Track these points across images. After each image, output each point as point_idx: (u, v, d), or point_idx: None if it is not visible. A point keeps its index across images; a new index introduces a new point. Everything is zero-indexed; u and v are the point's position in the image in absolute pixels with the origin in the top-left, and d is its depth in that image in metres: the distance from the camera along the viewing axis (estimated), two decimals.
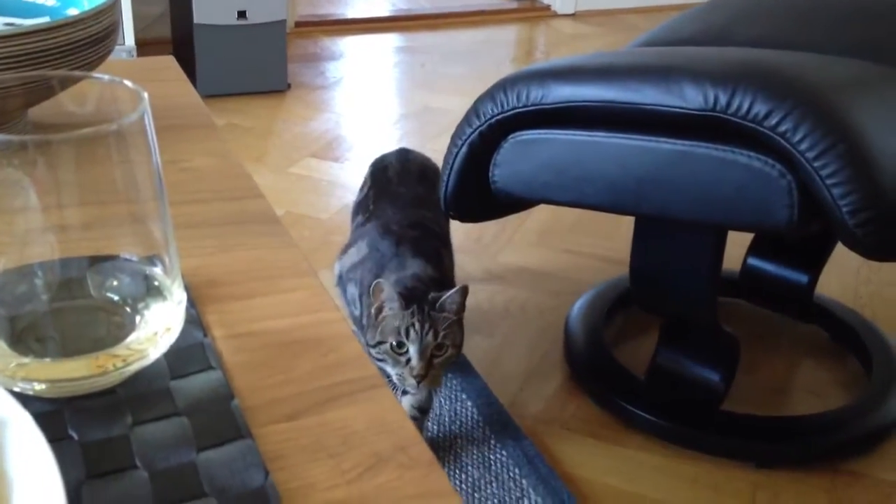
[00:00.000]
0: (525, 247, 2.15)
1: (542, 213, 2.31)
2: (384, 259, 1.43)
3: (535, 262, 2.08)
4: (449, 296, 1.30)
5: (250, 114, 2.95)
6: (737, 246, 1.86)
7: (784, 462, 1.46)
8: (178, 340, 0.46)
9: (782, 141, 1.12)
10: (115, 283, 0.45)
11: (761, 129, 1.13)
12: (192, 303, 0.50)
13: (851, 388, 1.65)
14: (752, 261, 1.76)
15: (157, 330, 0.43)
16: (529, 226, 2.25)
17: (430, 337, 1.28)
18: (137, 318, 0.43)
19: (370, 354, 1.32)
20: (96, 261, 0.44)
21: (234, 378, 0.45)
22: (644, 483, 1.41)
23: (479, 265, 2.06)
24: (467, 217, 1.58)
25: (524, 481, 1.38)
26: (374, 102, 3.15)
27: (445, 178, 1.47)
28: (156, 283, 0.44)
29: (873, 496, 1.40)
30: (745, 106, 1.14)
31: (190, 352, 0.46)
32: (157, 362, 0.45)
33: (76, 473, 0.38)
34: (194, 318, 0.48)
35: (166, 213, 0.43)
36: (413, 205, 1.58)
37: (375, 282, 1.30)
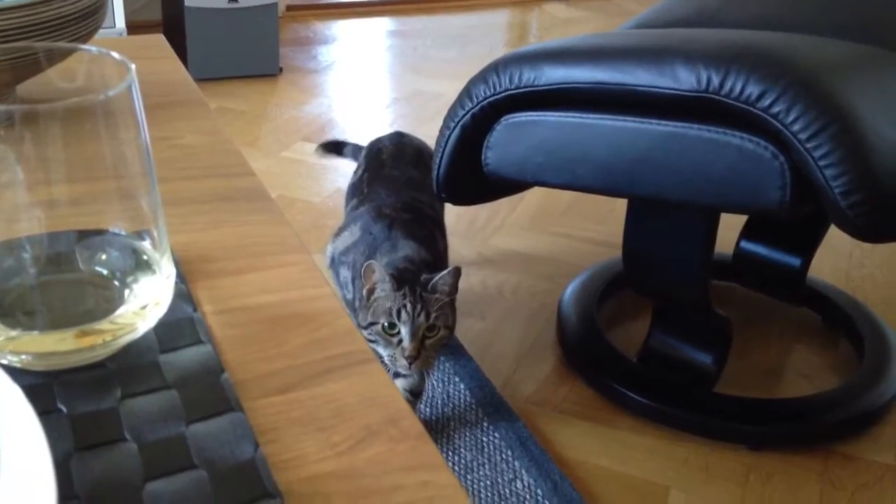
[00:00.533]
0: (518, 230, 2.15)
1: (535, 196, 2.31)
2: (376, 242, 1.42)
3: (528, 246, 2.08)
4: (441, 277, 1.30)
5: (242, 98, 2.94)
6: (730, 229, 1.86)
7: (776, 444, 1.46)
8: (167, 315, 0.46)
9: (775, 122, 1.12)
10: (103, 256, 0.44)
11: (754, 110, 1.13)
12: (182, 278, 0.50)
13: (843, 370, 1.66)
14: (745, 244, 1.76)
15: (145, 303, 0.42)
16: (523, 209, 2.25)
17: (421, 318, 1.28)
18: (126, 292, 0.43)
19: (362, 335, 1.32)
20: (85, 235, 0.44)
21: (224, 352, 0.45)
22: (636, 464, 1.42)
23: (472, 248, 2.06)
24: (460, 200, 1.57)
25: (516, 463, 1.38)
26: (366, 86, 3.14)
27: (438, 160, 1.47)
28: (144, 257, 0.44)
29: (865, 478, 1.40)
30: (738, 87, 1.14)
31: (180, 326, 0.46)
32: (146, 336, 0.44)
33: (65, 446, 0.37)
34: (184, 293, 0.48)
35: (154, 187, 0.43)
36: (407, 188, 1.57)
37: (367, 263, 1.29)
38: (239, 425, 0.39)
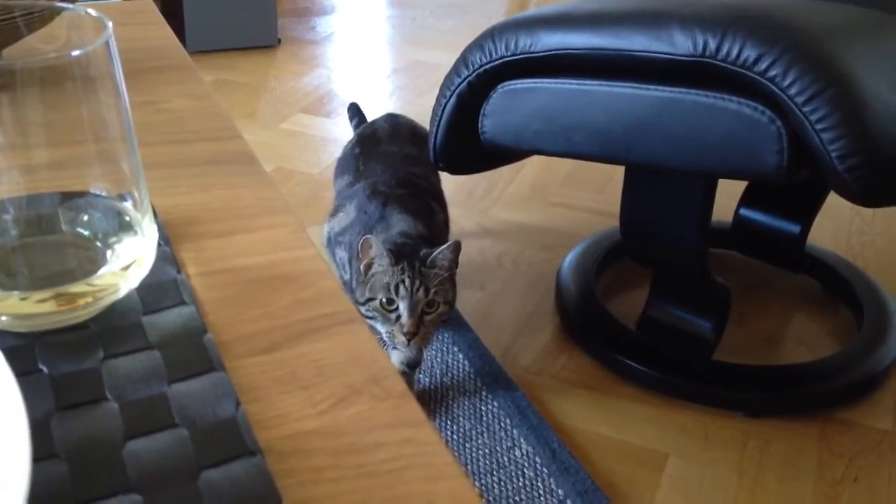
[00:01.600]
0: (517, 200, 2.14)
1: (534, 166, 2.30)
2: (371, 221, 1.41)
3: (526, 216, 2.07)
4: (440, 251, 1.29)
5: (240, 69, 2.92)
6: (729, 197, 1.86)
7: (774, 411, 1.46)
8: (151, 277, 0.46)
9: (772, 86, 1.11)
10: (85, 218, 0.44)
11: (751, 74, 1.12)
12: (166, 241, 0.49)
13: (843, 337, 1.65)
14: (744, 212, 1.75)
15: (127, 263, 0.42)
16: (521, 180, 2.24)
17: (420, 293, 1.27)
18: (108, 253, 0.43)
19: (360, 312, 1.31)
20: (67, 197, 0.44)
21: (208, 313, 0.44)
22: (634, 432, 1.42)
23: (470, 219, 2.05)
24: (457, 169, 1.57)
25: (515, 431, 1.39)
26: (365, 57, 3.12)
27: (434, 129, 1.46)
28: (126, 219, 0.44)
29: (863, 444, 1.41)
30: (735, 51, 1.13)
31: (163, 288, 0.45)
32: (129, 298, 0.44)
33: (45, 406, 0.37)
34: (168, 256, 0.48)
35: (135, 147, 0.43)
36: (403, 163, 1.55)
37: (364, 237, 1.28)
38: (220, 384, 0.39)
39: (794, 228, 1.69)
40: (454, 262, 1.31)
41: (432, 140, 1.47)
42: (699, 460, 1.37)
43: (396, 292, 1.27)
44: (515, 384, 1.50)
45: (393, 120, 1.71)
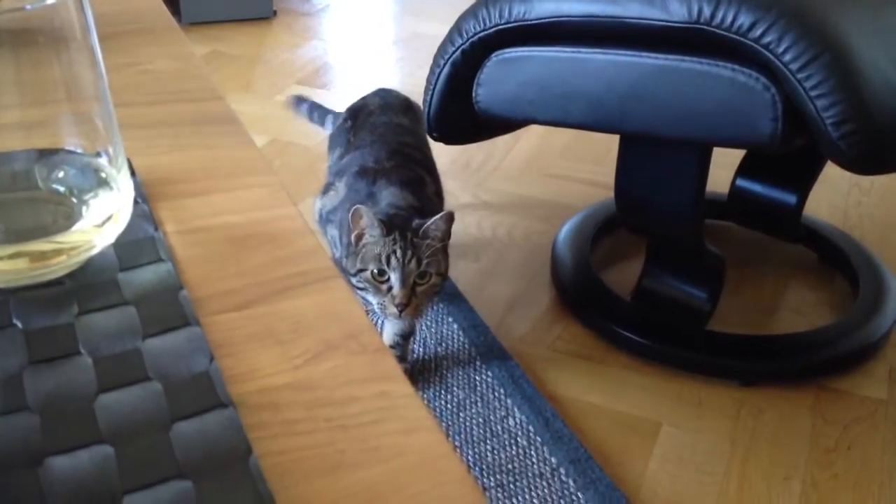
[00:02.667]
0: (513, 172, 2.14)
1: (530, 138, 2.29)
2: (360, 196, 1.39)
3: (522, 188, 2.07)
4: (433, 222, 1.28)
5: (236, 42, 2.90)
6: (725, 168, 1.85)
7: (768, 379, 1.47)
8: (127, 234, 0.45)
9: (766, 52, 1.10)
10: (60, 174, 0.44)
11: (745, 40, 1.11)
12: (144, 199, 0.49)
13: (838, 308, 1.65)
14: (741, 182, 1.75)
15: (102, 219, 0.42)
16: (518, 151, 2.23)
17: (412, 264, 1.26)
18: (83, 209, 0.43)
19: (351, 284, 1.30)
20: (43, 154, 0.43)
21: (185, 270, 0.44)
22: (628, 401, 1.42)
23: (466, 190, 2.05)
24: (451, 139, 1.56)
25: (509, 401, 1.39)
26: (361, 29, 3.10)
27: (428, 98, 1.45)
28: (102, 175, 0.43)
29: (857, 412, 1.41)
30: (729, 17, 1.12)
31: (140, 245, 0.45)
32: (105, 254, 0.44)
33: (18, 359, 0.37)
34: (146, 214, 0.48)
35: (108, 103, 0.42)
36: (394, 133, 1.53)
37: (354, 207, 1.27)
38: (195, 339, 0.39)
39: (791, 199, 1.68)
40: (447, 233, 1.30)
41: (426, 109, 1.46)
42: (692, 428, 1.37)
43: (388, 263, 1.26)
44: (509, 354, 1.50)
45: (384, 93, 1.68)
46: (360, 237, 1.29)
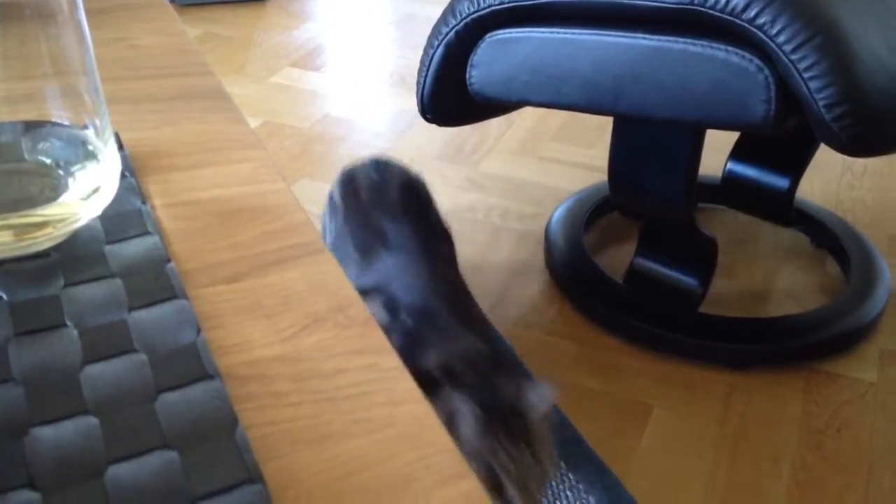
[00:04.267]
0: (507, 155, 2.13)
1: (524, 121, 2.29)
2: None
3: (516, 171, 2.06)
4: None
5: (229, 23, 2.89)
6: (718, 152, 1.85)
7: (759, 363, 1.47)
8: (115, 207, 0.45)
9: (760, 34, 1.09)
10: (46, 146, 0.43)
11: (739, 21, 1.11)
12: (132, 173, 0.49)
13: (830, 291, 1.66)
14: (733, 165, 1.74)
15: (88, 190, 0.42)
16: (512, 134, 2.23)
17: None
18: (70, 180, 0.42)
19: None
20: (29, 126, 0.43)
21: (172, 243, 0.44)
22: (620, 384, 1.43)
23: (460, 173, 2.04)
24: (445, 121, 1.55)
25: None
26: (356, 11, 3.08)
27: (422, 80, 1.44)
28: (89, 147, 0.43)
29: (848, 395, 1.42)
30: None
31: (127, 218, 0.45)
32: (92, 227, 0.44)
33: (3, 331, 0.37)
34: (133, 187, 0.47)
35: (95, 76, 0.42)
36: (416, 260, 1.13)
37: None
38: (182, 312, 0.39)
39: (783, 183, 1.68)
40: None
41: (420, 91, 1.46)
42: (683, 412, 1.37)
43: None
44: (504, 338, 1.50)
45: (380, 173, 1.28)
46: None
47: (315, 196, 1.93)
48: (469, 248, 1.77)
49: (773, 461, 1.29)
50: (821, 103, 1.08)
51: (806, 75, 1.07)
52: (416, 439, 0.34)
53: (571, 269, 1.66)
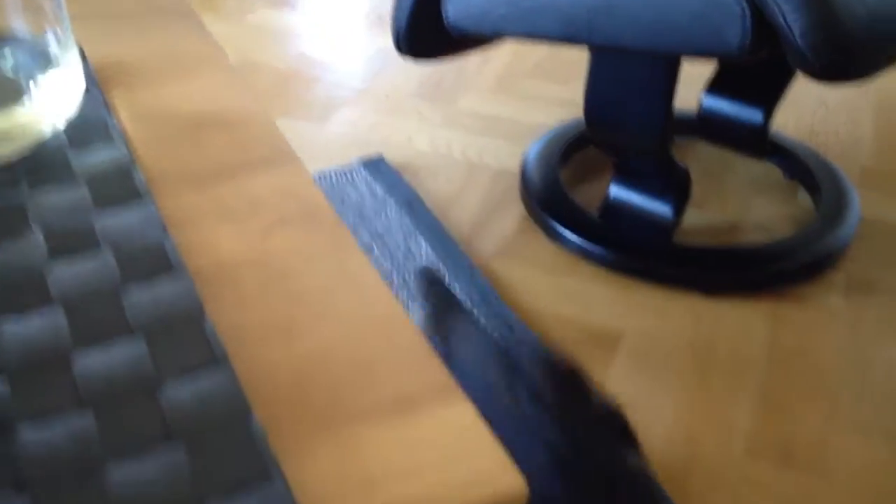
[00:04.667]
0: (484, 92, 2.12)
1: (501, 57, 2.27)
2: None
3: (493, 107, 2.06)
4: None
5: None
6: (694, 87, 1.85)
7: (729, 290, 1.49)
8: (80, 118, 0.45)
9: None
10: (7, 56, 0.43)
11: None
12: (97, 85, 0.48)
13: (801, 222, 1.67)
14: (708, 99, 1.75)
15: (52, 100, 0.41)
16: (489, 71, 2.22)
17: None
18: (33, 89, 0.42)
19: None
20: None
21: (140, 153, 0.44)
22: (593, 312, 1.44)
23: (437, 111, 2.03)
24: (421, 55, 1.54)
25: (475, 310, 1.40)
26: None
27: (398, 15, 1.43)
28: (51, 55, 0.43)
29: (815, 320, 1.44)
30: None
31: (92, 128, 0.45)
32: (57, 138, 0.44)
33: None
34: (99, 99, 0.47)
35: None
36: None
37: None
38: (149, 215, 0.39)
39: (758, 115, 1.69)
40: None
41: (395, 26, 1.44)
42: (653, 335, 1.40)
43: None
44: (478, 269, 1.51)
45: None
46: None
47: (292, 136, 1.92)
48: (445, 186, 1.77)
49: (741, 384, 1.32)
50: (795, 31, 1.08)
51: (781, 1, 1.07)
52: (385, 334, 0.35)
53: (547, 203, 1.66)
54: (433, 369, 0.34)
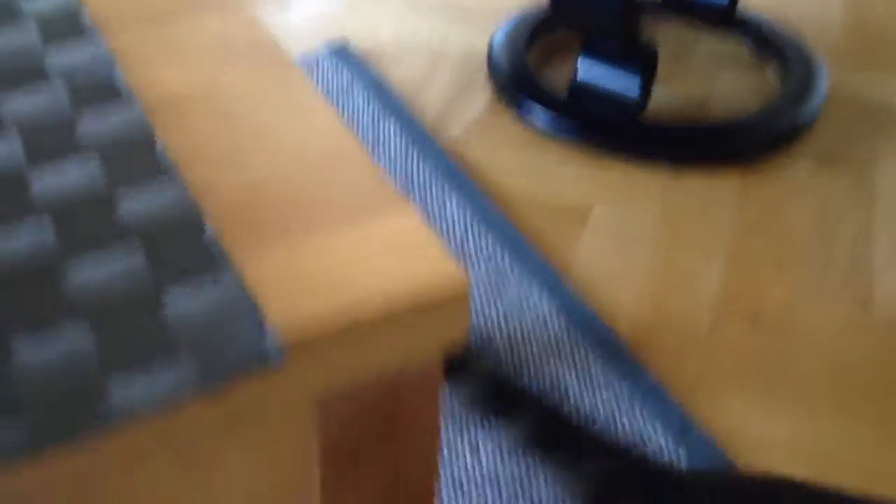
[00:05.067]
0: None
1: None
2: None
3: None
4: None
5: None
6: None
7: (697, 163, 1.51)
8: None
9: None
10: None
11: None
12: None
13: (769, 97, 1.68)
14: None
15: None
16: None
17: None
18: None
19: None
20: None
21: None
22: (562, 188, 1.46)
23: None
24: None
25: (446, 192, 1.42)
26: None
27: None
28: None
29: (781, 192, 1.46)
30: None
31: None
32: None
33: None
34: None
35: None
36: None
37: None
38: (99, 55, 0.39)
39: None
40: None
41: None
42: (622, 208, 1.42)
43: None
44: (446, 151, 1.51)
45: None
46: None
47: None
48: (412, 74, 1.75)
49: (708, 254, 1.35)
50: None
51: None
52: (335, 162, 0.36)
53: (514, 85, 1.66)
54: (383, 185, 0.35)
